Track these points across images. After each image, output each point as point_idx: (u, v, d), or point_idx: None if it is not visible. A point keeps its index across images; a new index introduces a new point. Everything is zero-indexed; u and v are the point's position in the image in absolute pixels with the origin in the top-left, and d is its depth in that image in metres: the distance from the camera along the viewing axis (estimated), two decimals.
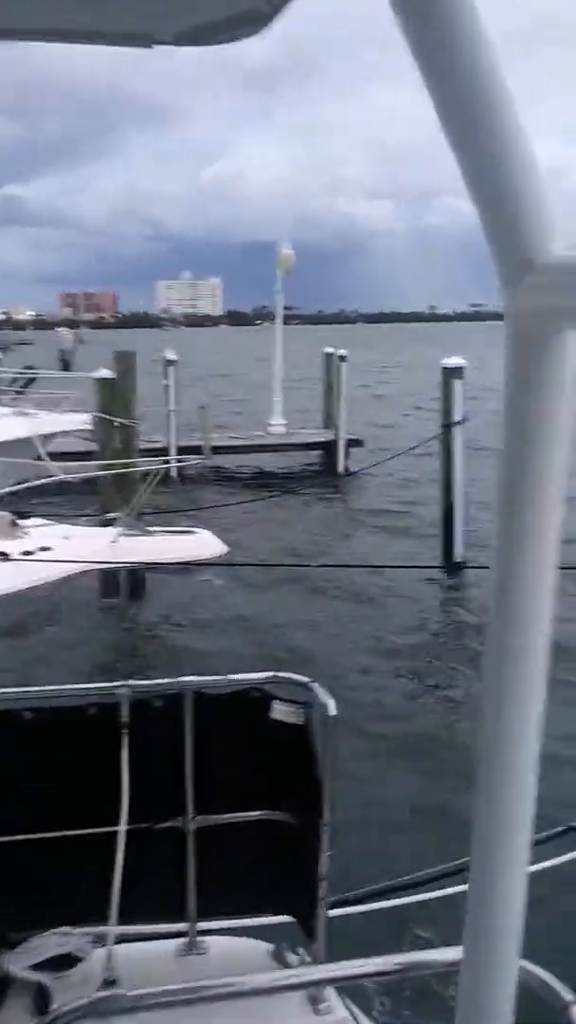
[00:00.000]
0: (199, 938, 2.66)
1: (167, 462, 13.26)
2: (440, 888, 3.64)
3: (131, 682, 2.53)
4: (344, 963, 1.39)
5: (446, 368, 13.28)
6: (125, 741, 2.43)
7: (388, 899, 3.68)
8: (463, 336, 64.95)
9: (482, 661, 0.85)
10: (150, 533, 9.01)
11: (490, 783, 0.85)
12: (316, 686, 2.52)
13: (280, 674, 2.62)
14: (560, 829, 3.99)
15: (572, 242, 0.75)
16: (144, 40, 0.87)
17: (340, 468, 20.56)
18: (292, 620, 10.80)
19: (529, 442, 0.77)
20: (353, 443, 21.19)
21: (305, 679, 2.56)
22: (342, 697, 2.55)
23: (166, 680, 2.60)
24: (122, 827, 2.33)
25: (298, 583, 11.78)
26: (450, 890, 3.51)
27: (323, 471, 20.77)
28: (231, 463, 20.41)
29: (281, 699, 2.53)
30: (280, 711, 2.51)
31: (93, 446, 13.17)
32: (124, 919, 2.45)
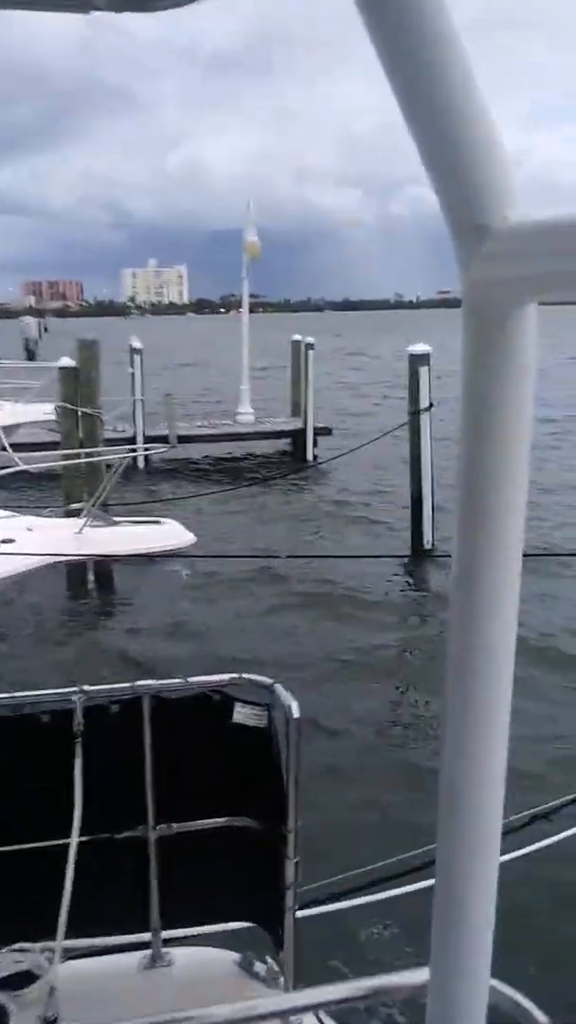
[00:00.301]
0: (164, 949, 2.58)
1: (133, 451, 13.08)
2: (411, 883, 3.59)
3: (86, 687, 2.43)
4: (310, 991, 1.33)
5: (412, 355, 13.25)
6: (79, 749, 2.34)
7: (356, 897, 3.63)
8: (428, 323, 65.21)
9: (446, 651, 0.80)
10: (116, 523, 8.89)
11: (455, 782, 0.81)
12: (279, 687, 2.44)
13: (242, 675, 2.53)
14: (526, 819, 3.96)
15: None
16: (82, 6, 0.81)
17: (309, 456, 20.51)
18: (257, 611, 10.72)
19: (490, 421, 0.72)
20: (321, 431, 21.15)
21: (268, 680, 2.48)
22: (304, 694, 2.47)
23: (123, 684, 2.50)
24: (74, 839, 2.24)
25: (265, 573, 11.72)
26: (420, 884, 3.47)
27: (292, 460, 20.71)
28: (198, 452, 20.28)
29: (243, 701, 2.44)
30: (242, 714, 2.43)
31: (58, 436, 13.00)
32: (86, 932, 2.37)
